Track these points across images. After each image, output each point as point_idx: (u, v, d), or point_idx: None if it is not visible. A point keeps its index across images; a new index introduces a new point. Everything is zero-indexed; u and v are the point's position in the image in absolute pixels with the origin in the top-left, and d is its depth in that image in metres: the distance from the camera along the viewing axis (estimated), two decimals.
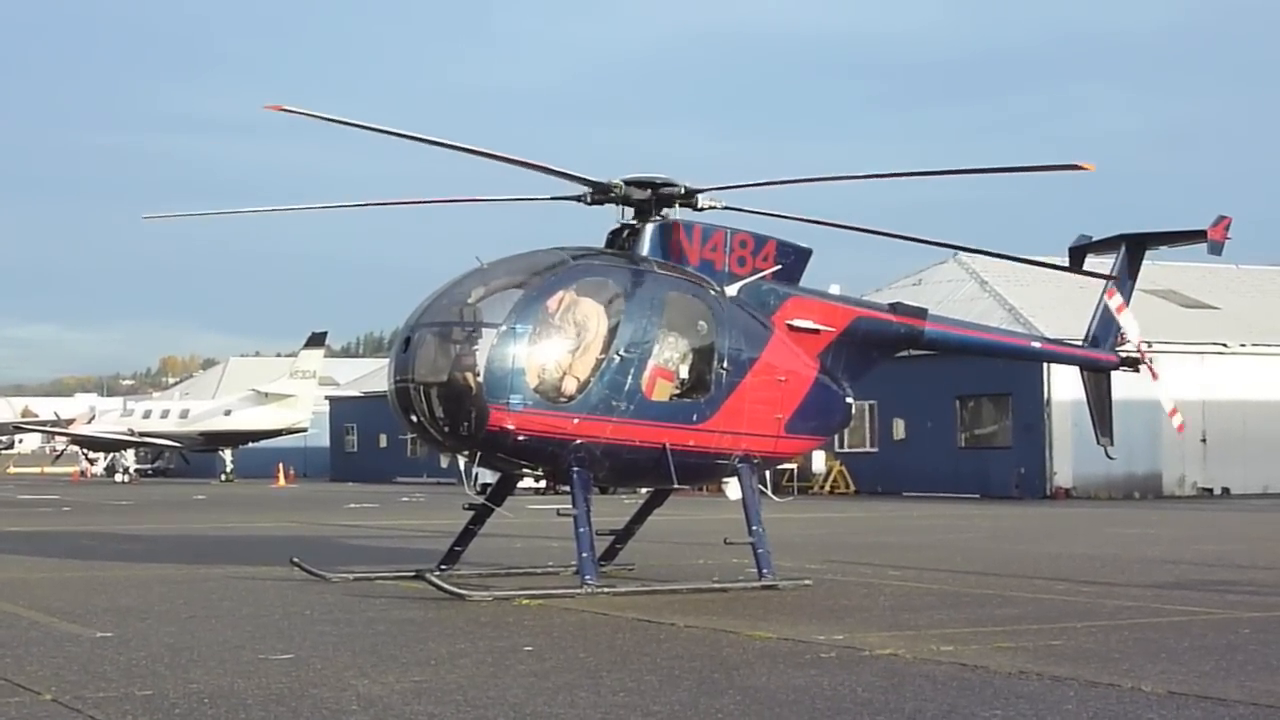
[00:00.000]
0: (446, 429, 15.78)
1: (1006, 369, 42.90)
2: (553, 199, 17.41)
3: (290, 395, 75.78)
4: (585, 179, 16.91)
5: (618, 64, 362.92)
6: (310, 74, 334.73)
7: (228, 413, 77.48)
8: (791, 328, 17.60)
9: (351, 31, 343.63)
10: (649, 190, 17.06)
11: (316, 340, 77.32)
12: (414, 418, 15.80)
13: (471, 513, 17.51)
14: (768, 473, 18.70)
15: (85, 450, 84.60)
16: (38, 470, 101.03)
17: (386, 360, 17.11)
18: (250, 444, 78.64)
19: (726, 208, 17.56)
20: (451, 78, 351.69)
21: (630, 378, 16.01)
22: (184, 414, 78.87)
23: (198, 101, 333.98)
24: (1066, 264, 22.01)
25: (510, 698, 9.50)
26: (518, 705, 9.23)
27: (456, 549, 17.67)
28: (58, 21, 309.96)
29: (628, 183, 17.03)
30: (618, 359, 15.97)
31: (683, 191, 17.05)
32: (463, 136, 15.63)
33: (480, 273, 16.27)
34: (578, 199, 17.22)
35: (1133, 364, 21.44)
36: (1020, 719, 8.78)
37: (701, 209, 17.38)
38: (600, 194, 17.06)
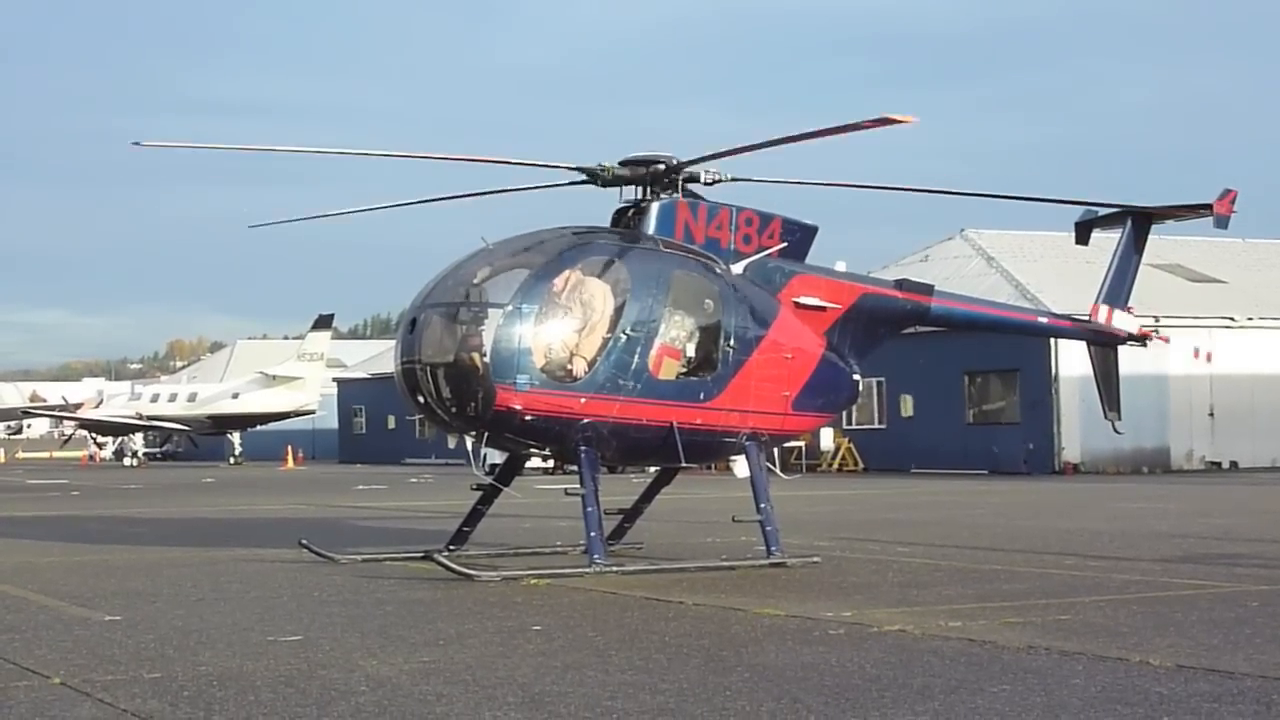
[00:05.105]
0: (453, 410, 15.77)
1: (1014, 344, 42.91)
2: (570, 184, 17.39)
3: (298, 378, 75.81)
4: (574, 167, 16.92)
5: (624, 42, 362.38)
6: (322, 58, 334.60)
7: (235, 396, 77.53)
8: (798, 305, 17.57)
9: (365, 14, 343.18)
10: (645, 169, 17.03)
11: (324, 322, 77.31)
12: (421, 399, 15.78)
13: (479, 493, 17.52)
14: (775, 450, 18.68)
15: (94, 434, 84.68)
16: (46, 455, 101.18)
17: (394, 342, 17.11)
18: (258, 427, 78.69)
19: (733, 179, 17.50)
20: (458, 56, 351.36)
21: (637, 357, 15.98)
22: (192, 397, 78.92)
23: (212, 85, 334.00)
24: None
25: (519, 677, 9.51)
26: (526, 685, 9.24)
27: (465, 529, 17.69)
28: (69, 5, 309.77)
29: (624, 163, 17.03)
30: (624, 338, 15.94)
31: (674, 164, 16.98)
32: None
33: (486, 253, 16.25)
34: (586, 182, 17.22)
35: (1140, 339, 21.42)
36: (1029, 694, 8.77)
37: (708, 184, 17.35)
38: (592, 179, 17.06)
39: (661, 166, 17.00)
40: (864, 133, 15.20)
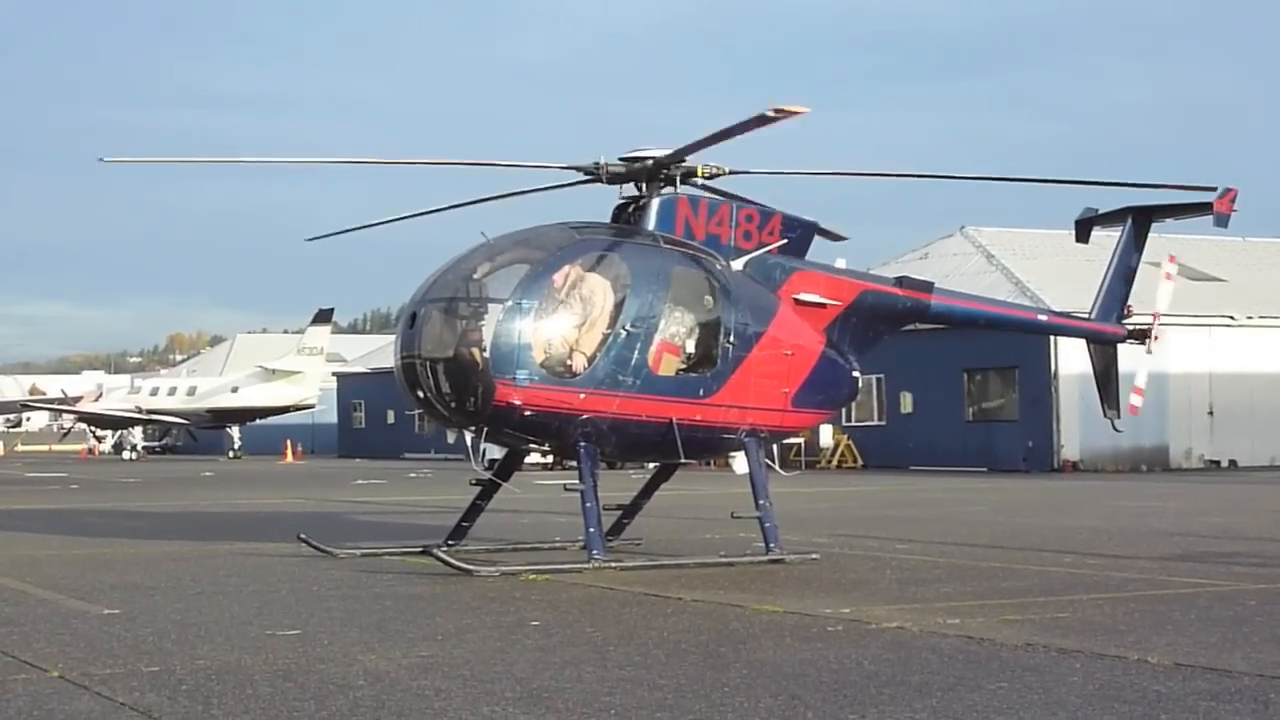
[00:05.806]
0: (453, 405, 15.77)
1: (1013, 342, 42.91)
2: (572, 184, 17.36)
3: (298, 372, 75.90)
4: (572, 167, 16.91)
5: (623, 38, 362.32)
6: (322, 53, 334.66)
7: (235, 390, 77.62)
8: (798, 301, 17.57)
9: (366, 8, 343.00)
10: (644, 165, 17.00)
11: (323, 317, 77.40)
12: (420, 394, 15.78)
13: (479, 488, 17.51)
14: (774, 447, 18.68)
15: (93, 428, 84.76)
16: (45, 448, 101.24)
17: (393, 337, 17.10)
18: (258, 421, 78.76)
19: (731, 172, 17.48)
20: (459, 52, 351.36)
21: (636, 352, 15.98)
22: (191, 391, 79.00)
23: (211, 77, 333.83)
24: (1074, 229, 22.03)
25: (517, 672, 9.51)
26: (524, 680, 9.24)
27: (464, 524, 17.68)
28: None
29: (622, 159, 17.02)
30: (624, 334, 15.94)
31: (661, 159, 16.96)
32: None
33: (486, 248, 16.25)
34: (588, 180, 17.20)
35: (1140, 336, 21.42)
36: (1027, 691, 8.77)
37: (710, 177, 17.32)
38: (590, 177, 17.04)
39: (650, 161, 16.98)
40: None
